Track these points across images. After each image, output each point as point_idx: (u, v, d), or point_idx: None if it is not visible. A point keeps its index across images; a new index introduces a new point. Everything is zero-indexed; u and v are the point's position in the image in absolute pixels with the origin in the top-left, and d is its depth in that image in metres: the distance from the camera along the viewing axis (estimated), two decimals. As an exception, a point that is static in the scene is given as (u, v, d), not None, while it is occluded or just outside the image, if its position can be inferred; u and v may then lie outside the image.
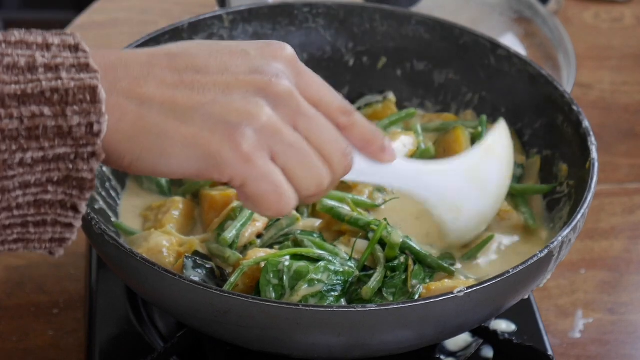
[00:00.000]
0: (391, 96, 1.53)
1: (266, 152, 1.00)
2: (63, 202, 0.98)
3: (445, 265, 1.28)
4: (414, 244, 1.28)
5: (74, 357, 1.39)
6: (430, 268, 1.27)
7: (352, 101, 1.53)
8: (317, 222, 1.32)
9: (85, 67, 0.95)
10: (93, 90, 0.94)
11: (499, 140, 1.29)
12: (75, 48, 0.96)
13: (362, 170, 1.13)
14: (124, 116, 0.98)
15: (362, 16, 1.55)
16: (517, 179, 1.42)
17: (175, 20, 1.50)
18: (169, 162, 1.00)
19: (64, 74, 0.94)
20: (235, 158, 0.99)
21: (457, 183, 1.25)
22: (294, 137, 1.02)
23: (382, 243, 1.27)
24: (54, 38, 0.96)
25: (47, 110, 0.93)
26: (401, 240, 1.26)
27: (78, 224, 1.00)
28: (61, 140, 0.94)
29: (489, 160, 1.28)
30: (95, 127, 0.95)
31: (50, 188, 0.96)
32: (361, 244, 1.28)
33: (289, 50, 1.06)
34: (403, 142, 1.43)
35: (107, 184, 1.38)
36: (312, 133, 1.04)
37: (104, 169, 1.38)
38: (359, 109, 1.52)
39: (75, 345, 1.40)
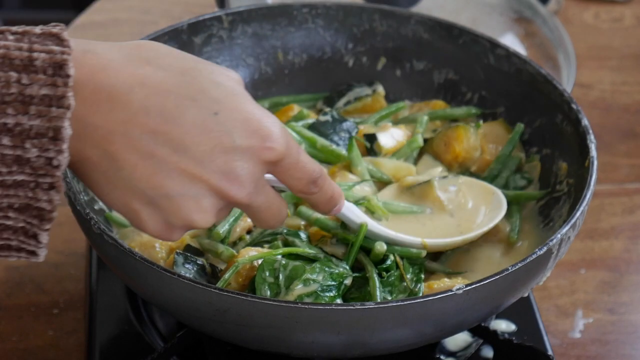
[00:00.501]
0: (380, 89, 1.53)
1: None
2: (25, 230, 0.97)
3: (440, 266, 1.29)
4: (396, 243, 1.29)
5: (74, 357, 1.39)
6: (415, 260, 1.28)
7: (341, 93, 1.53)
8: (301, 221, 1.32)
9: (57, 100, 0.92)
10: (57, 129, 0.92)
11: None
12: (59, 67, 0.93)
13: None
14: (83, 161, 0.97)
15: (361, 16, 1.55)
16: (519, 189, 1.42)
17: (175, 21, 1.50)
18: (105, 201, 1.01)
19: (32, 108, 0.92)
20: (160, 238, 1.04)
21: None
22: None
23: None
24: (39, 54, 0.93)
25: (6, 140, 0.92)
26: (385, 248, 1.26)
27: (42, 252, 0.99)
28: (19, 167, 0.93)
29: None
30: (54, 162, 0.94)
31: (11, 214, 0.95)
32: (334, 247, 1.28)
33: (278, 149, 1.02)
34: (392, 134, 1.44)
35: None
36: (251, 216, 1.08)
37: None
38: (348, 102, 1.53)
39: (75, 345, 1.40)
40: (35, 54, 0.92)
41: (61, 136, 0.93)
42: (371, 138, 1.42)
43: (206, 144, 0.99)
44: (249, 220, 1.31)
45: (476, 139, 1.44)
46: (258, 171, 1.02)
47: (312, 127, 1.43)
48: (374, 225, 1.27)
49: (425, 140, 1.45)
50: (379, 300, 1.21)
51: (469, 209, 1.35)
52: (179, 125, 0.98)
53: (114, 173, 0.98)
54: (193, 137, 0.98)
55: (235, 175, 1.01)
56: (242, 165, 1.01)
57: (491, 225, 1.32)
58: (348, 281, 1.24)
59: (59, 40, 0.94)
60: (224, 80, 1.02)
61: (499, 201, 1.35)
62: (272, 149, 1.02)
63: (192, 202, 1.00)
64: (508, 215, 1.37)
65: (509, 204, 1.37)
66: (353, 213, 1.25)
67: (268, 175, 1.08)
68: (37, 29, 0.94)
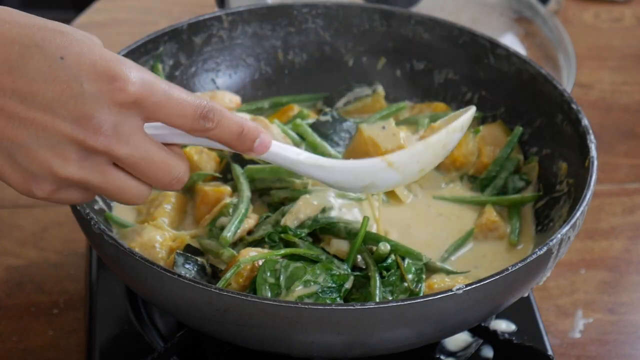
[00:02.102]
0: (380, 89, 1.53)
1: (63, 190, 1.04)
2: None
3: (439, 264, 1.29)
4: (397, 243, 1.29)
5: (74, 357, 1.39)
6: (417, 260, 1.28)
7: (341, 93, 1.54)
8: (301, 214, 1.32)
9: None
10: None
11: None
12: None
13: (225, 148, 1.14)
14: None
15: (361, 16, 1.55)
16: (518, 190, 1.42)
17: (175, 21, 1.50)
18: None
19: None
20: (30, 195, 1.03)
21: (336, 177, 1.23)
22: (102, 182, 1.04)
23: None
24: None
25: None
26: (389, 249, 1.26)
27: None
28: None
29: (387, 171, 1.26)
30: None
31: None
32: (340, 244, 1.28)
33: (130, 89, 1.00)
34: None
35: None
36: (130, 171, 1.05)
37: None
38: (348, 102, 1.53)
39: (75, 345, 1.40)
40: None
41: None
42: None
43: (53, 91, 0.98)
44: (250, 221, 1.31)
45: (474, 144, 1.44)
46: (115, 114, 1.00)
47: (312, 127, 1.43)
48: (315, 158, 1.21)
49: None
50: (378, 300, 1.21)
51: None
52: (24, 73, 0.98)
53: None
54: (39, 85, 0.98)
55: (87, 119, 0.99)
56: (94, 109, 0.99)
57: (460, 120, 1.28)
58: (349, 284, 1.24)
59: None
60: (70, 31, 1.01)
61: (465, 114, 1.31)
62: (122, 90, 1.00)
63: (47, 150, 0.99)
64: (507, 217, 1.37)
65: (508, 207, 1.38)
66: (291, 151, 1.19)
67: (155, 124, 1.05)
68: None
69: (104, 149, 1.01)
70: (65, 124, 0.99)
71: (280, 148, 1.18)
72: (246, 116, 1.46)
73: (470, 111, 1.28)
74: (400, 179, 1.24)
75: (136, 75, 1.01)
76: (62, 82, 0.98)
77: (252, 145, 1.12)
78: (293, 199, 1.32)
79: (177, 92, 1.04)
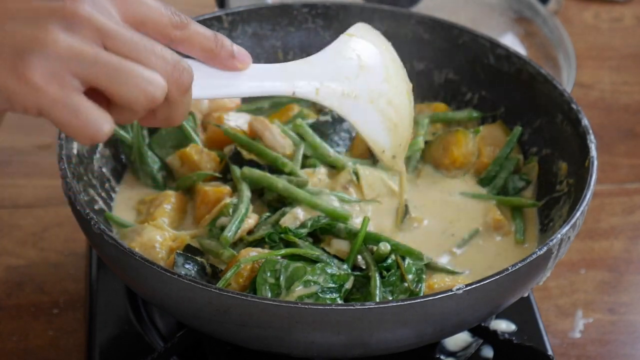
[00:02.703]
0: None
1: (64, 78, 0.94)
2: None
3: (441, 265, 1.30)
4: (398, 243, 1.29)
5: (74, 357, 1.39)
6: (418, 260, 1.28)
7: None
8: (300, 215, 1.32)
9: None
10: None
11: (362, 32, 1.25)
12: None
13: (211, 84, 1.09)
14: None
15: (361, 16, 1.54)
16: (518, 190, 1.42)
17: (174, 21, 1.50)
18: None
19: None
20: (22, 89, 0.93)
21: (330, 66, 1.21)
22: (97, 55, 0.94)
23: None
24: None
25: None
26: (389, 248, 1.26)
27: None
28: None
29: (359, 44, 1.23)
30: None
31: None
32: (340, 244, 1.29)
33: None
34: None
35: (107, 185, 1.39)
36: (125, 52, 0.96)
37: (104, 169, 1.39)
38: None
39: (75, 345, 1.40)
40: None
41: None
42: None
43: None
44: (250, 221, 1.31)
45: (474, 144, 1.44)
46: None
47: (311, 127, 1.43)
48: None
49: (425, 143, 1.45)
50: (378, 300, 1.21)
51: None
52: None
53: None
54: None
55: None
56: None
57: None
58: (349, 284, 1.24)
59: None
60: None
61: None
62: None
63: (29, 26, 0.92)
64: (511, 217, 1.37)
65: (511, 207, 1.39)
66: (269, 65, 1.15)
67: None
68: None
69: (87, 15, 0.95)
70: (39, 2, 0.94)
71: (259, 65, 1.13)
72: (246, 116, 1.46)
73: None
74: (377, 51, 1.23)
75: None
76: None
77: (231, 49, 1.08)
78: (289, 198, 1.33)
79: None
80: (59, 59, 0.93)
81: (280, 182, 1.33)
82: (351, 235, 1.28)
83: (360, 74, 1.24)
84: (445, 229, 1.36)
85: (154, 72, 0.97)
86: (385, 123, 1.25)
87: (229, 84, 1.11)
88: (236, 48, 1.10)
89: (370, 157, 1.43)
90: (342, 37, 1.26)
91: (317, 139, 1.41)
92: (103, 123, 0.96)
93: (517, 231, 1.36)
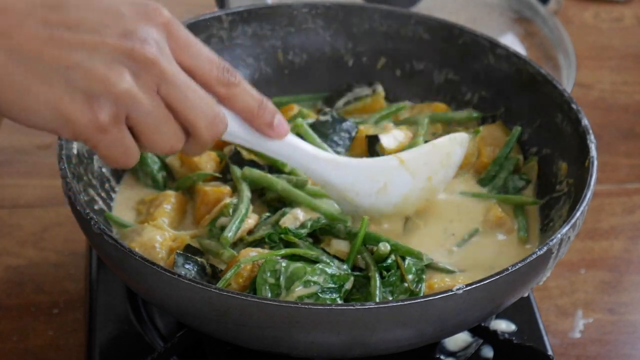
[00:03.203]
0: (380, 89, 1.53)
1: (122, 120, 1.05)
2: None
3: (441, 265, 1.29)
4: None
5: (74, 357, 1.39)
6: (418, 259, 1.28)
7: (341, 93, 1.54)
8: (300, 215, 1.32)
9: None
10: None
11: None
12: None
13: (240, 135, 1.16)
14: None
15: (361, 16, 1.54)
16: (518, 189, 1.42)
17: (174, 21, 1.50)
18: (28, 116, 1.03)
19: None
20: (90, 127, 1.03)
21: (350, 177, 1.27)
22: (151, 106, 1.06)
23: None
24: None
25: None
26: (389, 249, 1.26)
27: None
28: None
29: (397, 176, 1.29)
30: None
31: None
32: (340, 244, 1.29)
33: (165, 13, 1.07)
34: (394, 136, 1.44)
35: (107, 185, 1.39)
36: (174, 99, 1.07)
37: (104, 169, 1.39)
38: (347, 102, 1.53)
39: (75, 345, 1.40)
40: None
41: None
42: (373, 139, 1.42)
43: (97, 17, 1.03)
44: (250, 221, 1.31)
45: (474, 145, 1.44)
46: (154, 32, 1.05)
47: (311, 127, 1.43)
48: (330, 154, 1.25)
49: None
50: (378, 301, 1.21)
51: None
52: (65, 9, 1.02)
53: (25, 67, 1.01)
54: (83, 14, 1.03)
55: (132, 33, 1.04)
56: (135, 26, 1.04)
57: (459, 135, 1.33)
58: (349, 285, 1.24)
59: None
60: None
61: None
62: (156, 10, 1.06)
63: (102, 65, 1.02)
64: (513, 215, 1.37)
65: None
66: (305, 143, 1.23)
67: None
68: None
69: (153, 58, 1.04)
70: (113, 39, 1.03)
71: (297, 139, 1.20)
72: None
73: (466, 135, 1.34)
74: (411, 183, 1.28)
75: (162, 6, 1.08)
76: (101, 10, 1.04)
77: (272, 120, 1.15)
78: (288, 199, 1.33)
79: (194, 40, 1.10)
80: (124, 105, 1.04)
81: (280, 184, 1.33)
82: (351, 235, 1.28)
83: (377, 196, 1.29)
84: (446, 228, 1.36)
85: (181, 132, 1.09)
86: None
87: (258, 143, 1.19)
88: (277, 119, 1.17)
89: (370, 156, 1.43)
90: (390, 160, 1.28)
91: (317, 139, 1.41)
92: (136, 155, 1.09)
93: (520, 229, 1.36)
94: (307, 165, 1.25)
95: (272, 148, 1.21)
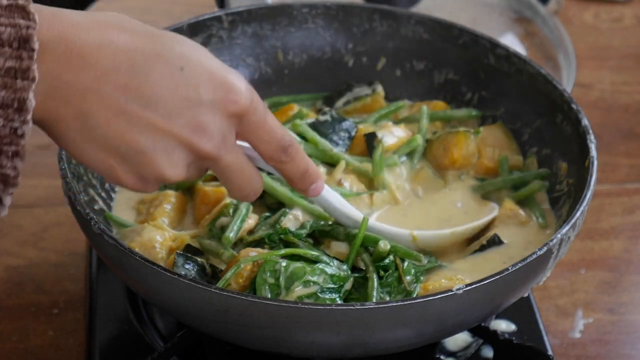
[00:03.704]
0: (380, 89, 1.53)
1: None
2: None
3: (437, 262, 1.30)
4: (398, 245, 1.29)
5: (74, 357, 1.39)
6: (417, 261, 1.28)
7: (341, 93, 1.54)
8: (300, 216, 1.32)
9: (22, 72, 0.95)
10: (22, 101, 0.95)
11: None
12: (25, 41, 0.95)
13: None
14: (58, 121, 1.01)
15: (361, 16, 1.54)
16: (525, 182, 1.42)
17: (175, 21, 1.50)
18: (81, 162, 1.05)
19: None
20: (138, 190, 1.08)
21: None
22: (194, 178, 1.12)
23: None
24: (5, 28, 0.94)
25: None
26: (389, 247, 1.26)
27: (3, 213, 1.05)
28: None
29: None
30: (19, 131, 0.97)
31: None
32: (339, 246, 1.29)
33: (242, 100, 1.05)
34: (393, 133, 1.44)
35: (107, 185, 1.39)
36: (224, 177, 1.11)
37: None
38: (347, 102, 1.53)
39: (75, 345, 1.40)
40: (1, 28, 0.95)
41: (26, 107, 0.96)
42: (371, 137, 1.42)
43: (174, 99, 1.02)
44: (250, 221, 1.31)
45: (475, 146, 1.44)
46: (225, 124, 1.05)
47: (311, 127, 1.43)
48: (354, 211, 1.29)
49: (426, 142, 1.45)
50: (375, 301, 1.21)
51: (457, 207, 1.37)
52: (147, 81, 1.01)
53: (89, 131, 1.01)
54: (162, 92, 1.01)
55: (203, 127, 1.04)
56: (209, 118, 1.04)
57: (484, 220, 1.34)
58: (348, 285, 1.24)
59: (24, 13, 0.96)
60: (186, 39, 1.05)
61: (491, 206, 1.36)
62: (235, 102, 1.05)
63: (163, 156, 1.04)
64: (527, 205, 1.37)
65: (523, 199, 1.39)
66: (336, 199, 1.27)
67: (243, 144, 1.11)
68: (4, 1, 0.96)
69: (216, 155, 1.06)
70: (183, 131, 1.03)
71: (328, 193, 1.25)
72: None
73: (494, 213, 1.36)
74: (414, 249, 1.31)
75: (247, 89, 1.06)
76: (182, 92, 1.02)
77: (309, 186, 1.18)
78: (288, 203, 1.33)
79: (271, 117, 1.10)
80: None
81: (279, 190, 1.33)
82: (350, 237, 1.28)
83: None
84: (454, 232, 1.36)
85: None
86: None
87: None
88: (313, 186, 1.19)
89: (368, 153, 1.43)
90: (404, 235, 1.32)
91: (317, 136, 1.41)
92: None
93: (537, 217, 1.35)
94: (332, 214, 1.29)
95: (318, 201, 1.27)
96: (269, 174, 1.34)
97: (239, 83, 1.05)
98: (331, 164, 1.41)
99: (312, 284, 1.21)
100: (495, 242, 1.31)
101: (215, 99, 1.04)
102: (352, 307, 1.10)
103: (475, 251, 1.32)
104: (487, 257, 1.31)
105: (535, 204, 1.38)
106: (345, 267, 1.25)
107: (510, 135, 1.46)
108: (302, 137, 1.42)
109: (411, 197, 1.40)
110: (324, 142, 1.41)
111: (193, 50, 1.04)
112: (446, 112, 1.50)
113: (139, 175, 1.05)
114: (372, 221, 1.30)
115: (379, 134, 1.43)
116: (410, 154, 1.43)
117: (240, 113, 1.06)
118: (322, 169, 1.39)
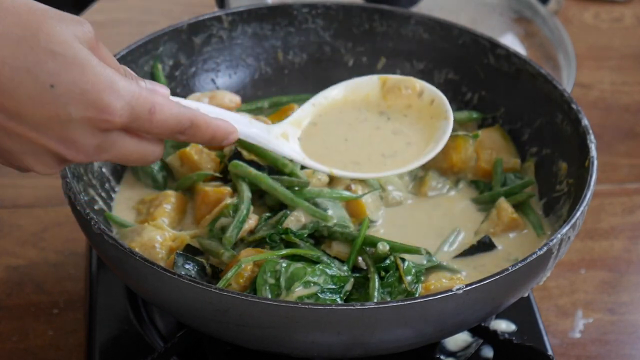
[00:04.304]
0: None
1: None
2: None
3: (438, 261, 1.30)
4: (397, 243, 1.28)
5: (74, 357, 1.39)
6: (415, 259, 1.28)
7: None
8: (302, 217, 1.32)
9: None
10: None
11: None
12: None
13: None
14: None
15: (361, 16, 1.54)
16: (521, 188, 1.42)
17: (175, 21, 1.50)
18: None
19: None
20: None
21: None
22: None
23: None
24: None
25: None
26: (387, 248, 1.26)
27: None
28: None
29: None
30: None
31: None
32: (340, 246, 1.29)
33: (117, 120, 1.04)
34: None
35: (107, 185, 1.39)
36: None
37: (104, 169, 1.39)
38: None
39: (75, 345, 1.40)
40: None
41: None
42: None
43: (41, 116, 1.02)
44: (250, 221, 1.31)
45: (473, 150, 1.44)
46: (99, 137, 1.05)
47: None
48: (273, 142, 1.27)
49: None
50: (376, 301, 1.21)
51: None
52: (13, 97, 1.01)
53: None
54: (28, 109, 1.01)
55: (72, 141, 1.04)
56: (79, 134, 1.03)
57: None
58: (349, 286, 1.24)
59: None
60: (64, 49, 1.02)
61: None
62: (108, 121, 1.04)
63: (31, 157, 1.04)
64: (524, 214, 1.38)
65: (519, 206, 1.38)
66: (256, 134, 1.24)
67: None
68: None
69: (88, 161, 1.07)
70: (50, 142, 1.03)
71: (245, 133, 1.22)
72: (246, 116, 1.46)
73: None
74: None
75: (124, 107, 1.04)
76: (51, 110, 1.02)
77: (221, 143, 1.17)
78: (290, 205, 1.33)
79: (161, 113, 1.08)
80: None
81: (280, 190, 1.33)
82: (350, 238, 1.28)
83: None
84: (447, 237, 1.36)
85: None
86: None
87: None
88: (225, 142, 1.18)
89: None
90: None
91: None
92: None
93: (534, 227, 1.35)
94: (265, 145, 1.27)
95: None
96: (269, 173, 1.34)
97: (114, 102, 1.03)
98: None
99: (312, 284, 1.21)
100: (487, 243, 1.32)
101: (87, 118, 1.03)
102: (352, 307, 1.10)
103: (467, 252, 1.32)
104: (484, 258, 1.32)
105: (532, 212, 1.38)
106: (345, 267, 1.25)
107: (508, 138, 1.46)
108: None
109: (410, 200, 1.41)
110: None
111: (68, 64, 1.01)
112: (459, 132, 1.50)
113: (14, 165, 1.06)
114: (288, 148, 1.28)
115: None
116: None
117: (117, 127, 1.05)
118: (325, 179, 1.38)
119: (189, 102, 1.17)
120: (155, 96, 1.07)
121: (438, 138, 1.29)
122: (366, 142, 1.32)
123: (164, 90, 1.12)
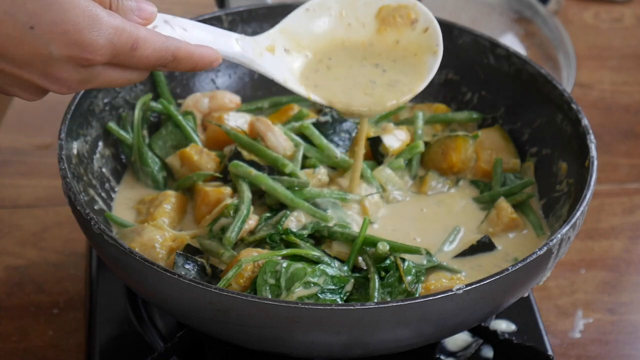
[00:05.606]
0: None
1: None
2: None
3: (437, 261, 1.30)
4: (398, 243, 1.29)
5: (74, 357, 1.39)
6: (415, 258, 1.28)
7: None
8: (302, 217, 1.33)
9: None
10: None
11: None
12: None
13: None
14: None
15: (361, 16, 1.54)
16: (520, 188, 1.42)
17: (175, 21, 1.50)
18: None
19: None
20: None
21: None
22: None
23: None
24: None
25: None
26: (388, 248, 1.26)
27: None
28: None
29: None
30: None
31: None
32: (341, 246, 1.29)
33: (97, 59, 1.07)
34: (396, 136, 1.44)
35: (107, 185, 1.39)
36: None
37: (104, 169, 1.39)
38: None
39: (75, 345, 1.40)
40: None
41: None
42: (376, 141, 1.42)
43: (23, 54, 1.04)
44: (251, 222, 1.31)
45: (473, 150, 1.44)
46: (83, 72, 1.08)
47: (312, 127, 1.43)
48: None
49: (425, 145, 1.45)
50: (376, 301, 1.21)
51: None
52: (5, 37, 1.03)
53: None
54: (9, 49, 1.04)
55: (55, 77, 1.07)
56: (61, 70, 1.06)
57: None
58: (349, 286, 1.24)
59: None
60: None
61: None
62: (90, 60, 1.06)
63: (17, 89, 1.09)
64: (524, 214, 1.38)
65: (519, 206, 1.38)
66: (241, 56, 1.25)
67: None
68: None
69: (71, 92, 1.10)
70: (34, 77, 1.07)
71: (232, 51, 1.24)
72: (246, 116, 1.46)
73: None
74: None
75: (105, 44, 1.06)
76: (32, 49, 1.04)
77: (202, 68, 1.19)
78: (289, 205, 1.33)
79: (142, 51, 1.10)
80: None
81: (280, 190, 1.33)
82: (350, 238, 1.28)
83: None
84: (447, 235, 1.36)
85: None
86: None
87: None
88: (209, 65, 1.20)
89: (373, 157, 1.43)
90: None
91: (324, 141, 1.41)
92: None
93: (534, 227, 1.36)
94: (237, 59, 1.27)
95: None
96: (269, 173, 1.34)
97: (95, 40, 1.05)
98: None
99: (312, 285, 1.21)
100: (486, 243, 1.32)
101: (69, 56, 1.05)
102: (352, 307, 1.10)
103: (467, 252, 1.32)
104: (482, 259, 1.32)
105: (532, 213, 1.38)
106: (346, 268, 1.25)
107: (508, 138, 1.46)
108: (307, 139, 1.41)
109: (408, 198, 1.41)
110: (330, 147, 1.40)
111: (48, 5, 1.03)
112: (447, 114, 1.50)
113: (4, 92, 1.09)
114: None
115: (383, 138, 1.43)
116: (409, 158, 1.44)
117: (100, 63, 1.07)
118: (322, 170, 1.38)
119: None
120: (138, 30, 1.09)
121: (424, 74, 1.30)
122: (351, 77, 1.34)
123: (150, 10, 1.14)
